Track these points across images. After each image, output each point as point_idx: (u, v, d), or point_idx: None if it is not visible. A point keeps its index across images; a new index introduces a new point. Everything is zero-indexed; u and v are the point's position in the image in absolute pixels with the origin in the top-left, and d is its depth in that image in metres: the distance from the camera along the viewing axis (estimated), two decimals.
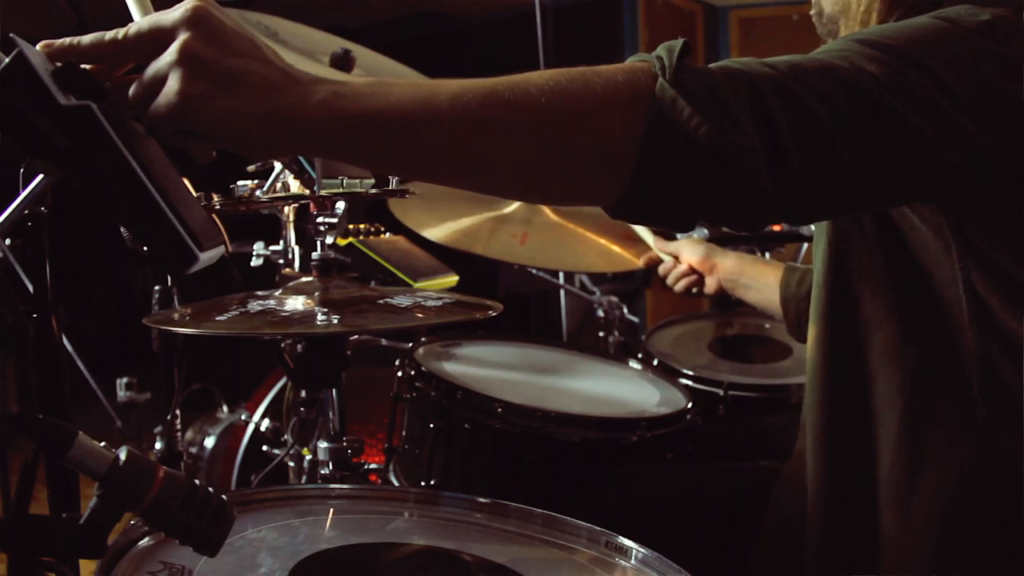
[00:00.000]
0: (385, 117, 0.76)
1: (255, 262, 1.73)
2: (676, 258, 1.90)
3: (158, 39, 0.76)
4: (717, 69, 0.82)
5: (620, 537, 1.14)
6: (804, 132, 0.81)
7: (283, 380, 2.23)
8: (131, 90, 0.78)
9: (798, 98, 0.81)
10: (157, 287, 1.84)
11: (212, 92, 0.74)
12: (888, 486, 1.06)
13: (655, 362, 2.14)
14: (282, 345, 1.52)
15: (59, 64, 0.77)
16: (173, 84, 0.74)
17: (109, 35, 0.78)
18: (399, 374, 1.70)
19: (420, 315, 1.23)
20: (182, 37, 0.75)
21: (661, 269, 1.93)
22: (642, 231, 1.94)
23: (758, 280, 1.77)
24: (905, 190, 0.93)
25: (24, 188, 1.00)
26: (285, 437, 1.90)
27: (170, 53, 0.75)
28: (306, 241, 1.74)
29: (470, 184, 0.84)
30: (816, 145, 0.82)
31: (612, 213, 0.83)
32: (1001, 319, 0.98)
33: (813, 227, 1.23)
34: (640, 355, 2.14)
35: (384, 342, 2.35)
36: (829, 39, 1.19)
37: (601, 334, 2.67)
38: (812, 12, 1.18)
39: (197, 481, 0.83)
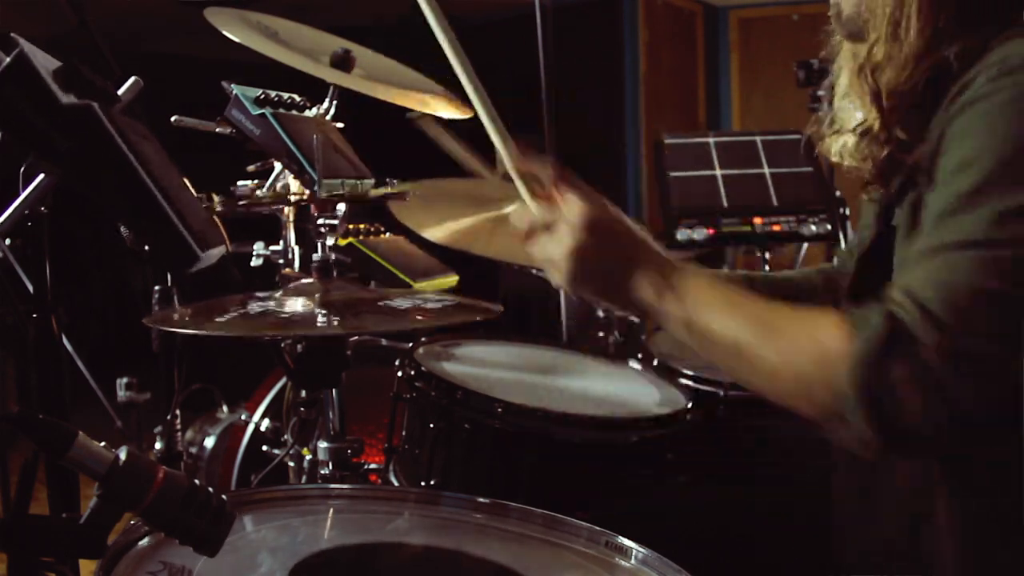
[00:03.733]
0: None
1: (255, 262, 1.73)
2: None
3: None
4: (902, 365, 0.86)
5: (620, 537, 1.14)
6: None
7: (283, 380, 2.23)
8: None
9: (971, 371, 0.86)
10: (157, 287, 1.84)
11: None
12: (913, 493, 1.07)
13: (655, 362, 2.13)
14: (282, 345, 1.52)
15: (61, 64, 0.77)
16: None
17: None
18: (399, 374, 1.70)
19: (420, 317, 1.23)
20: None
21: None
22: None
23: None
24: None
25: (24, 188, 1.00)
26: (285, 437, 1.90)
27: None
28: (306, 241, 1.74)
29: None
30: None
31: None
32: None
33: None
34: (640, 355, 2.14)
35: (384, 342, 2.35)
36: (848, 41, 1.18)
37: (601, 334, 2.66)
38: (831, 13, 1.17)
39: (197, 481, 0.83)
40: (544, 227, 1.04)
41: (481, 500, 1.25)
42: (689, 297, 1.02)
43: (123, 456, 0.79)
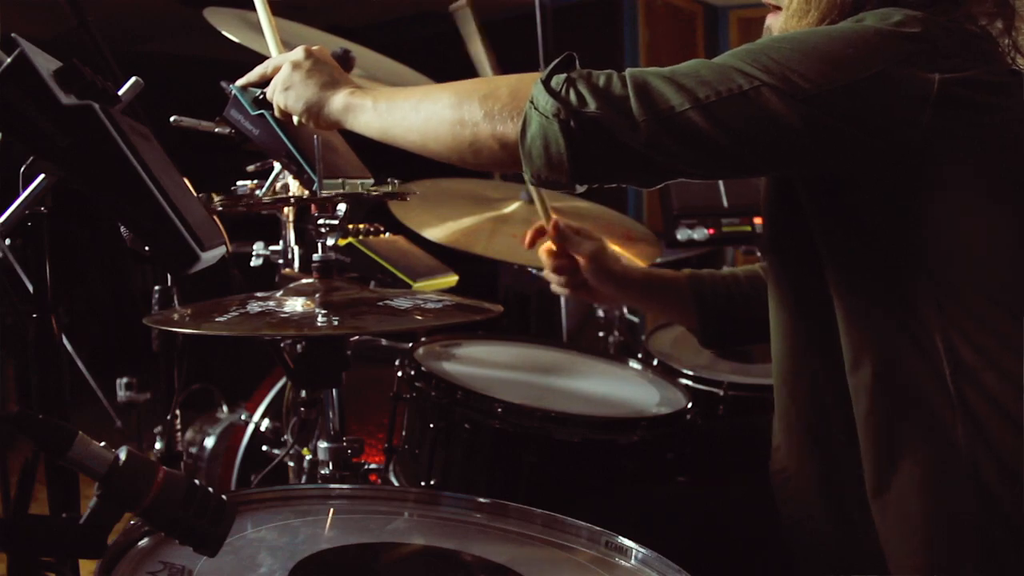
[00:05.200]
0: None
1: (255, 262, 1.73)
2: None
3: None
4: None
5: (620, 537, 1.14)
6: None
7: (283, 380, 2.23)
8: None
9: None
10: (157, 287, 1.84)
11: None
12: (869, 478, 1.07)
13: (655, 362, 2.14)
14: (282, 345, 1.52)
15: (61, 64, 0.77)
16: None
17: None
18: (399, 374, 1.70)
19: (420, 317, 1.23)
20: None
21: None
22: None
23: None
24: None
25: (24, 188, 1.00)
26: (285, 437, 1.90)
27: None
28: (306, 241, 1.74)
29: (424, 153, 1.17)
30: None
31: None
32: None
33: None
34: (640, 355, 2.14)
35: (384, 342, 2.35)
36: None
37: (601, 334, 2.67)
38: None
39: (197, 481, 0.83)
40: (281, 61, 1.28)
41: (481, 500, 1.25)
42: (379, 91, 1.21)
43: (123, 456, 0.79)
